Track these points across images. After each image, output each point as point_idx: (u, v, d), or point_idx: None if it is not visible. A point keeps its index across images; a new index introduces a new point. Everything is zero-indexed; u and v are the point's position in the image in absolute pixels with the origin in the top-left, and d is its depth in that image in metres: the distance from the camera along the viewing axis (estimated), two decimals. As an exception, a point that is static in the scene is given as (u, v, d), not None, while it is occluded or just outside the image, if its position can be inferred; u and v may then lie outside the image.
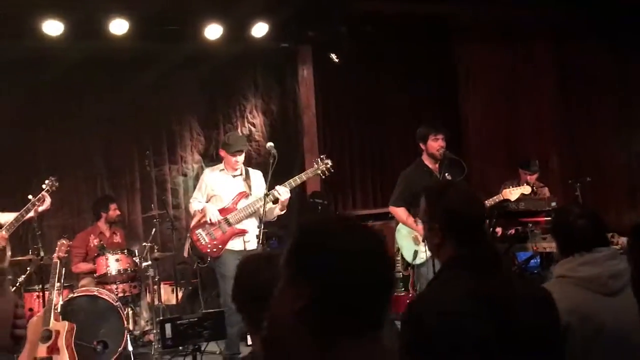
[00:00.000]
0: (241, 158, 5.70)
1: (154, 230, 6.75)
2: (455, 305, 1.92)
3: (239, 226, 5.57)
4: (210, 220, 5.56)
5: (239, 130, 8.40)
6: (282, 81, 8.65)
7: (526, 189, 5.70)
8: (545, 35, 9.09)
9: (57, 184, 5.36)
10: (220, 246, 5.55)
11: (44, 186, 5.30)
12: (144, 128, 7.97)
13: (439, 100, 9.12)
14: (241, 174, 5.76)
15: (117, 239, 6.98)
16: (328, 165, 5.68)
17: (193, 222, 5.77)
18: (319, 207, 7.87)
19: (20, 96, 7.11)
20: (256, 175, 5.84)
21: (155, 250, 6.72)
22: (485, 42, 9.05)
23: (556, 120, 9.25)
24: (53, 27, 6.53)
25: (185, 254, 6.50)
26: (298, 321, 1.28)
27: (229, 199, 5.65)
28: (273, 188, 5.45)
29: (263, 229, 5.44)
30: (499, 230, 5.70)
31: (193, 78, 7.95)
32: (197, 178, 8.14)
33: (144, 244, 6.69)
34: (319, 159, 5.72)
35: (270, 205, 5.47)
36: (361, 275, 1.29)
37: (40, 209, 4.98)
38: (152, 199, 7.72)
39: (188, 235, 5.96)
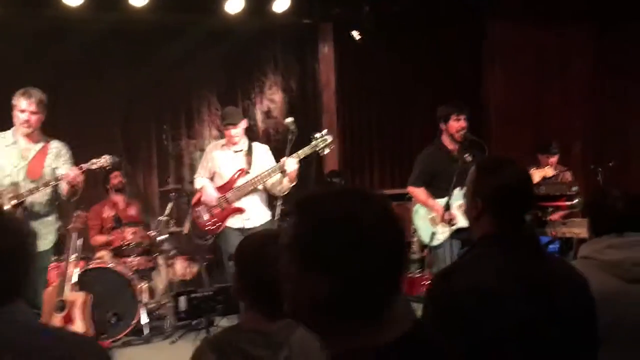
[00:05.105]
0: (235, 132, 5.45)
1: (170, 204, 6.75)
2: (492, 284, 1.85)
3: (238, 204, 5.47)
4: (204, 201, 5.52)
5: (257, 106, 8.35)
6: (302, 58, 8.57)
7: (548, 172, 5.62)
8: (580, 15, 8.82)
9: (112, 161, 4.91)
10: (219, 223, 5.49)
11: (95, 160, 4.84)
12: (162, 102, 7.95)
13: (463, 80, 8.97)
14: (242, 150, 5.57)
15: (132, 211, 7.00)
16: (327, 142, 5.35)
17: (194, 200, 5.73)
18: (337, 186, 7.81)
19: (39, 68, 7.09)
20: (260, 150, 5.65)
21: (171, 225, 6.72)
22: (514, 21, 8.84)
23: (584, 106, 9.07)
24: (73, -2, 6.51)
25: (185, 231, 6.51)
26: (318, 312, 1.22)
27: (228, 175, 5.52)
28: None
29: (281, 204, 5.37)
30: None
31: (212, 53, 7.89)
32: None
33: (159, 218, 6.69)
34: (317, 134, 5.37)
35: (277, 177, 5.34)
36: (382, 254, 1.20)
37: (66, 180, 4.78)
38: (168, 174, 7.72)
39: (190, 212, 5.95)
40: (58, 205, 5.37)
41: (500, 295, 1.83)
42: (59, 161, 4.84)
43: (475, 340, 1.77)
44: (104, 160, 4.87)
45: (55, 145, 4.86)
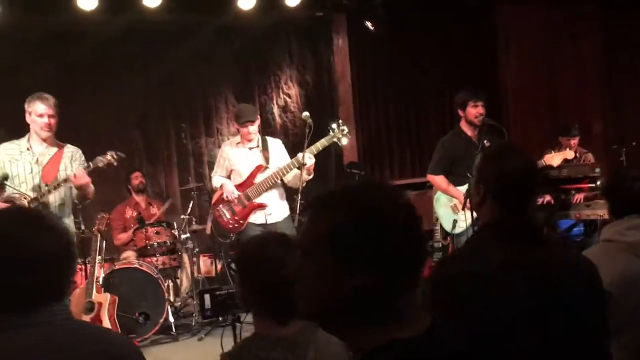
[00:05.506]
0: (253, 129, 5.47)
1: (191, 203, 6.79)
2: (489, 271, 1.81)
3: (259, 200, 5.47)
4: (227, 198, 5.52)
5: (274, 101, 8.36)
6: (316, 51, 8.55)
7: (569, 154, 5.55)
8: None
9: (117, 157, 4.82)
10: (241, 221, 5.50)
11: (101, 157, 4.77)
12: (179, 101, 7.99)
13: (477, 66, 8.92)
14: (258, 146, 5.57)
15: (154, 210, 7.06)
16: (345, 132, 5.44)
17: (214, 199, 5.71)
18: (357, 177, 7.81)
19: (57, 71, 7.17)
20: (275, 145, 5.66)
21: (194, 223, 6.76)
22: (526, 4, 8.78)
23: (600, 85, 8.97)
24: (87, 2, 6.54)
25: (208, 231, 6.52)
26: (342, 311, 1.20)
27: (247, 173, 5.53)
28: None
29: (300, 199, 5.36)
30: (543, 198, 5.57)
31: (227, 50, 7.91)
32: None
33: (182, 216, 6.74)
34: (333, 125, 5.46)
35: (295, 171, 5.35)
36: (410, 245, 1.19)
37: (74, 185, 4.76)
38: (189, 172, 7.77)
39: (210, 211, 5.95)
40: (81, 208, 5.42)
41: (497, 284, 1.79)
42: (73, 165, 4.85)
43: (472, 328, 1.73)
44: (109, 156, 4.82)
45: (70, 150, 4.88)
